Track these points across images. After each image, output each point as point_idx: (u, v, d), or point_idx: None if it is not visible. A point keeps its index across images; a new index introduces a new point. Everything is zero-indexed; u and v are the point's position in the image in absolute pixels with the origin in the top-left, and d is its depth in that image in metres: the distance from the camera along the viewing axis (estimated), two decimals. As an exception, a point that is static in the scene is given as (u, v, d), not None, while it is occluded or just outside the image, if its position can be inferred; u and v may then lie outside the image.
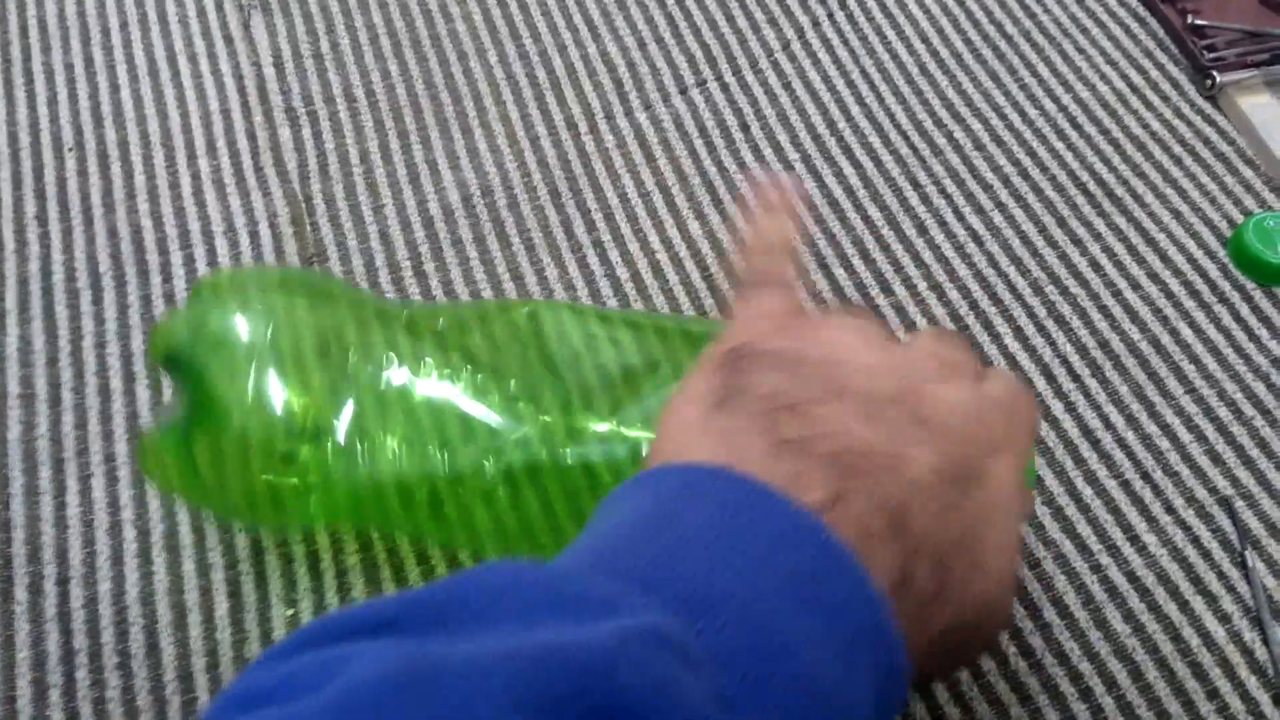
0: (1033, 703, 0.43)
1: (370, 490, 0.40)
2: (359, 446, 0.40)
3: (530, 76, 0.60)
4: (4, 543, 0.45)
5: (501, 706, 0.23)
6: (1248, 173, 0.56)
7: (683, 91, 0.59)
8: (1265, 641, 0.44)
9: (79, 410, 0.48)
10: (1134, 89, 0.59)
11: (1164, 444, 0.49)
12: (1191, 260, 0.54)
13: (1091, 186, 0.56)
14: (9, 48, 0.60)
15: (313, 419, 0.40)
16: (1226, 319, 0.52)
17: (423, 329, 0.42)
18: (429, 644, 0.25)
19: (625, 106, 0.59)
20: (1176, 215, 0.55)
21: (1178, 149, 0.57)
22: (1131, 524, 0.47)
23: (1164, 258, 0.54)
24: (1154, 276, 0.53)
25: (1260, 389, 0.50)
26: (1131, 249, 0.54)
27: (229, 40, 0.61)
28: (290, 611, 0.44)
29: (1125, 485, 0.48)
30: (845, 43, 0.61)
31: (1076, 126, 0.58)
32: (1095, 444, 0.48)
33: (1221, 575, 0.46)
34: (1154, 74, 0.60)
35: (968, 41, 0.61)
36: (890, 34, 0.61)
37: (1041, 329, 0.51)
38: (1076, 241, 0.54)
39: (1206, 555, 0.46)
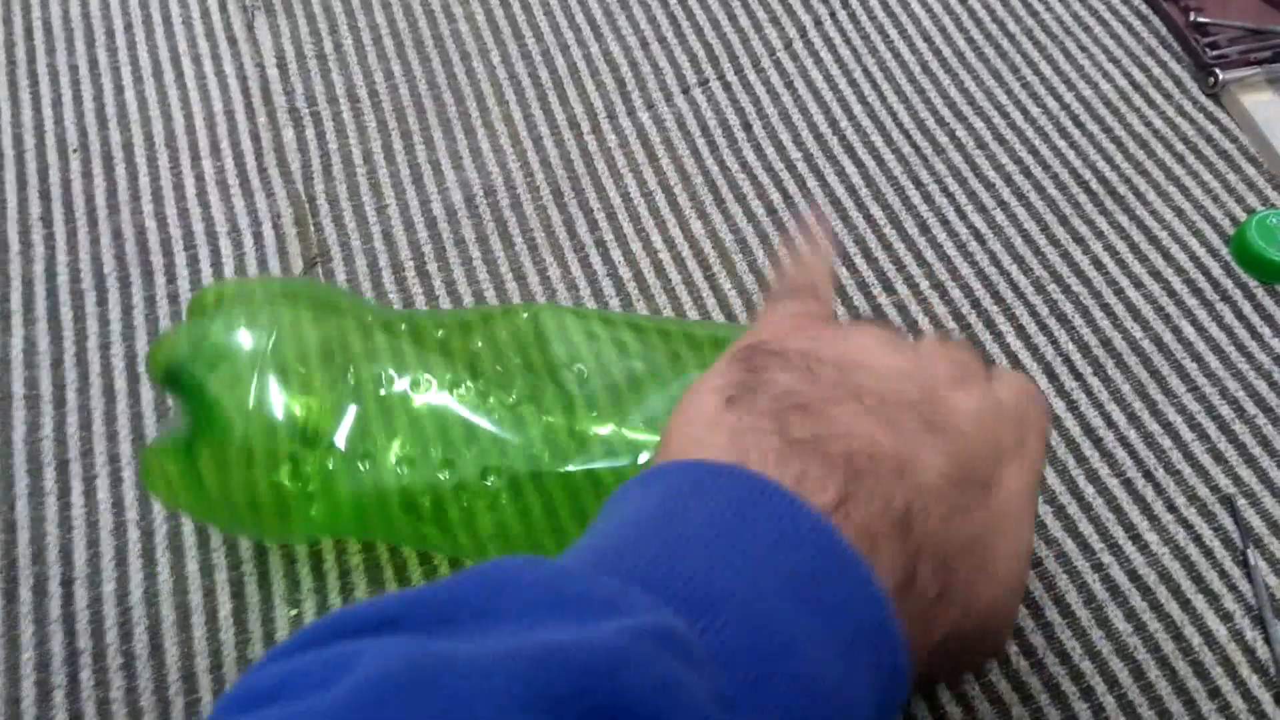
0: (1034, 702, 0.43)
1: (374, 499, 0.40)
2: (362, 456, 0.40)
3: (533, 76, 0.60)
4: (8, 544, 0.46)
5: (504, 706, 0.23)
6: (1250, 170, 0.56)
7: (685, 90, 0.59)
8: (1267, 640, 0.44)
9: (83, 411, 0.49)
10: (1136, 87, 0.59)
11: (1166, 442, 0.49)
12: (1194, 258, 0.54)
13: (1094, 184, 0.56)
14: (14, 49, 0.60)
15: (315, 428, 0.40)
16: (1229, 317, 0.52)
17: (425, 335, 0.42)
18: (432, 642, 0.25)
19: (628, 106, 0.59)
20: (1179, 213, 0.55)
21: (1180, 147, 0.57)
22: (1133, 522, 0.47)
23: (1166, 256, 0.54)
24: (1156, 274, 0.53)
25: (1263, 387, 0.50)
26: (1134, 247, 0.54)
27: (233, 41, 0.61)
28: (294, 612, 0.44)
29: (1127, 483, 0.48)
30: (847, 41, 0.61)
31: (1079, 124, 0.58)
32: (1097, 442, 0.48)
33: (1223, 574, 0.46)
34: (1156, 72, 0.60)
35: (969, 39, 0.61)
36: (892, 32, 0.61)
37: (1044, 327, 0.51)
38: (1079, 239, 0.54)
39: (1208, 554, 0.46)
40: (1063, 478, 0.48)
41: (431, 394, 0.41)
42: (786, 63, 0.60)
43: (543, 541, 0.40)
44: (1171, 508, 0.47)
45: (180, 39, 0.61)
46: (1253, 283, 0.53)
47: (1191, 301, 0.52)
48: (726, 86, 0.59)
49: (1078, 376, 0.50)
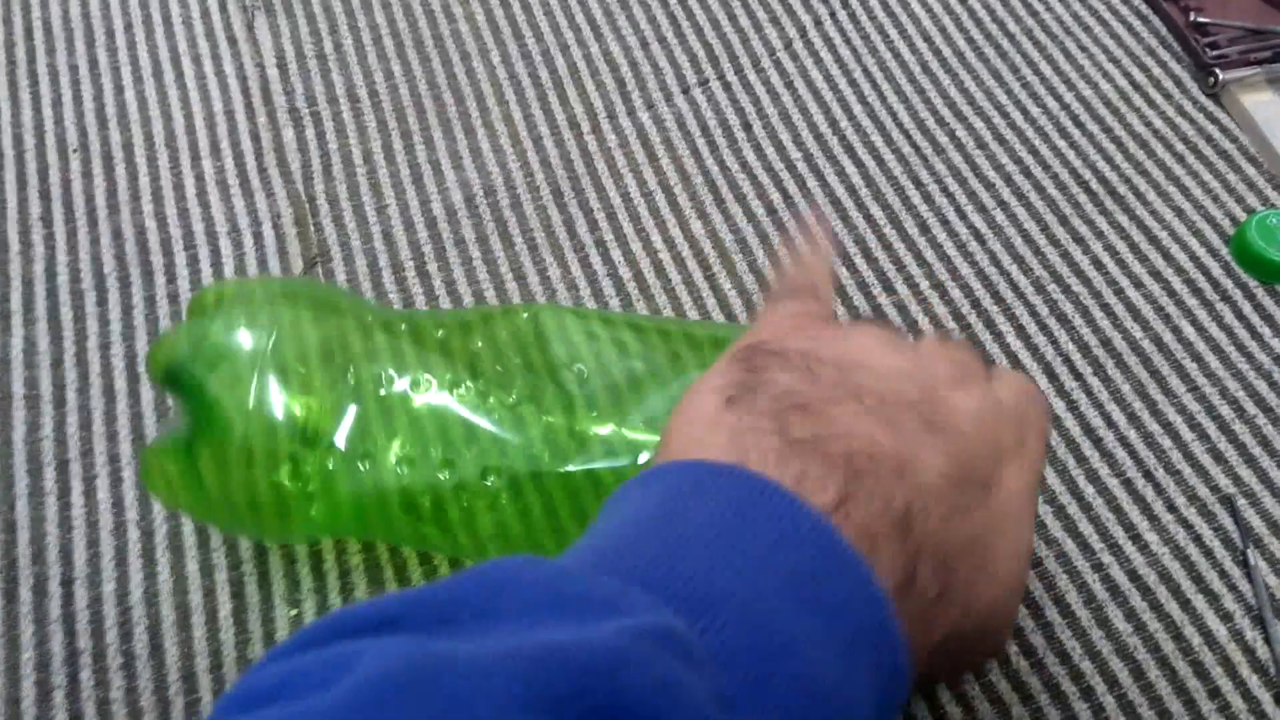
0: (1034, 702, 0.43)
1: (374, 499, 0.40)
2: (362, 456, 0.40)
3: (533, 76, 0.60)
4: (9, 544, 0.46)
5: (504, 706, 0.23)
6: (1250, 170, 0.56)
7: (685, 90, 0.59)
8: (1267, 640, 0.44)
9: (83, 411, 0.49)
10: (1136, 87, 0.59)
11: (1166, 442, 0.49)
12: (1194, 258, 0.54)
13: (1094, 184, 0.56)
14: (14, 50, 0.60)
15: (315, 428, 0.40)
16: (1229, 317, 0.52)
17: (425, 335, 0.42)
18: (432, 642, 0.25)
19: (628, 106, 0.59)
20: (1179, 213, 0.55)
21: (1180, 147, 0.57)
22: (1133, 522, 0.47)
23: (1166, 255, 0.54)
24: (1156, 274, 0.53)
25: (1263, 387, 0.50)
26: (1134, 247, 0.54)
27: (233, 41, 0.61)
28: (294, 612, 0.44)
29: (1127, 483, 0.48)
30: (847, 41, 0.61)
31: (1079, 124, 0.58)
32: (1097, 442, 0.48)
33: (1223, 574, 0.46)
34: (1156, 72, 0.60)
35: (969, 39, 0.61)
36: (892, 32, 0.61)
37: (1044, 327, 0.51)
38: (1079, 239, 0.54)
39: (1208, 554, 0.46)
40: (1063, 478, 0.48)
41: (431, 394, 0.41)
42: (786, 63, 0.60)
43: (543, 541, 0.40)
44: (1171, 508, 0.47)
45: (180, 39, 0.61)
46: (1253, 283, 0.53)
47: (1191, 301, 0.52)
48: (726, 86, 0.59)
49: (1078, 376, 0.50)
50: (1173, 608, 0.45)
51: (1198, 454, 0.48)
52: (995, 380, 0.36)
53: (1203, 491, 0.47)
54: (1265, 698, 0.43)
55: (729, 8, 0.62)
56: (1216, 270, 0.53)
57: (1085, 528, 0.46)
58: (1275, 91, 0.58)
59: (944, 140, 0.57)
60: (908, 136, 0.57)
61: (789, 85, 0.59)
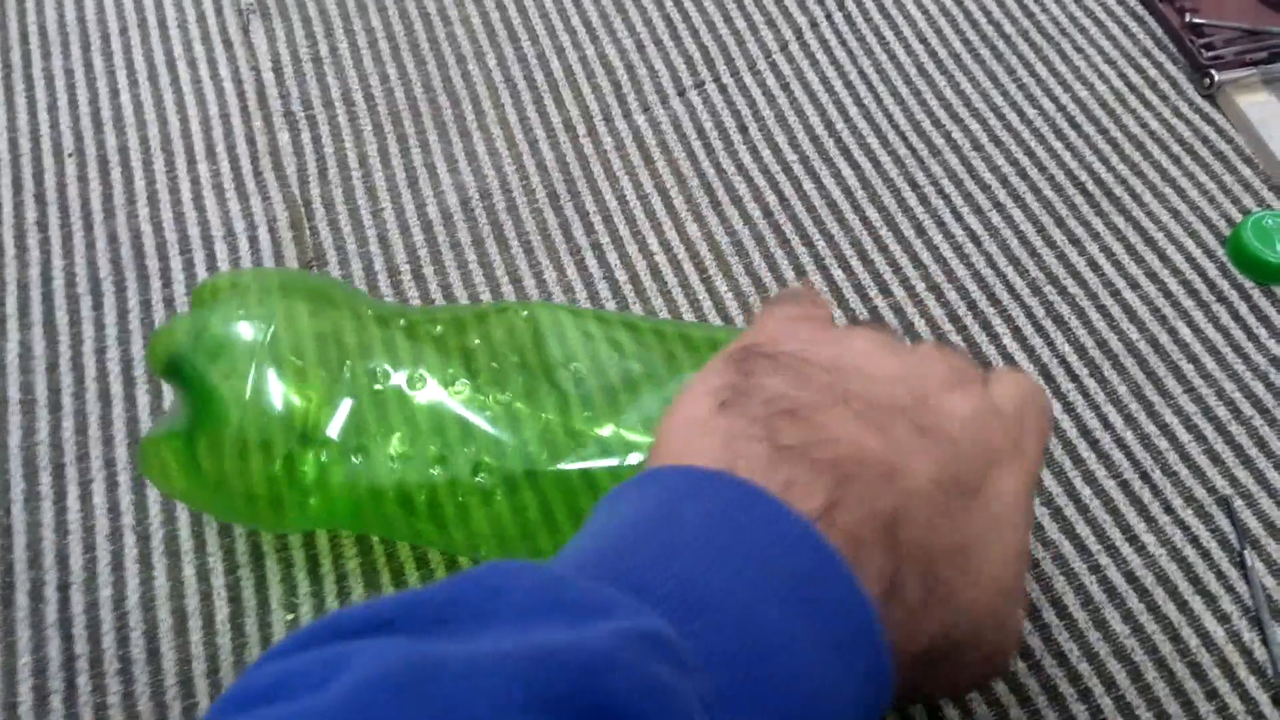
0: (1032, 704, 0.43)
1: (369, 493, 0.40)
2: (358, 450, 0.40)
3: (528, 79, 0.60)
4: (4, 549, 0.46)
5: (503, 706, 0.23)
6: (1246, 171, 0.56)
7: (681, 93, 0.59)
8: (1264, 641, 0.44)
9: (79, 416, 0.49)
10: (1132, 88, 0.59)
11: (1162, 444, 0.49)
12: (1190, 259, 0.54)
13: (1090, 186, 0.56)
14: (9, 53, 0.60)
15: (314, 422, 0.40)
16: (1225, 318, 0.52)
17: (422, 332, 0.42)
18: (428, 643, 0.25)
19: (623, 109, 0.59)
20: (1175, 214, 0.55)
21: (1176, 148, 0.57)
22: (1130, 524, 0.47)
23: (1162, 257, 0.54)
24: (1152, 276, 0.53)
25: (1259, 388, 0.50)
26: (1130, 248, 0.54)
27: (228, 45, 0.61)
28: (290, 616, 0.44)
29: (1124, 485, 0.48)
30: (843, 43, 0.61)
31: (1074, 126, 0.58)
32: (1094, 444, 0.48)
33: (1220, 575, 0.46)
34: (1152, 73, 0.60)
35: (965, 41, 0.61)
36: (888, 34, 0.62)
37: (1040, 329, 0.51)
38: (1074, 241, 0.54)
39: (1205, 555, 0.46)
40: (1059, 480, 0.48)
41: (427, 390, 0.41)
42: (782, 65, 0.60)
43: (538, 539, 0.40)
44: (1168, 509, 0.47)
45: (176, 43, 0.61)
46: (1249, 284, 0.53)
47: (1187, 303, 0.52)
48: (722, 89, 0.59)
49: (1074, 378, 0.50)
50: (1170, 609, 0.45)
51: (1194, 455, 0.48)
52: (994, 382, 0.36)
53: (1199, 493, 0.47)
54: (1263, 699, 0.43)
55: (724, 10, 0.62)
56: (1212, 271, 0.53)
57: (1082, 529, 0.46)
58: (1271, 92, 0.58)
59: (940, 142, 0.57)
60: (904, 138, 0.58)
61: (785, 88, 0.59)
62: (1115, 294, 0.53)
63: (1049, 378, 0.50)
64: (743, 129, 0.58)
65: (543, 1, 0.63)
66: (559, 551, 0.32)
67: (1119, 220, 0.55)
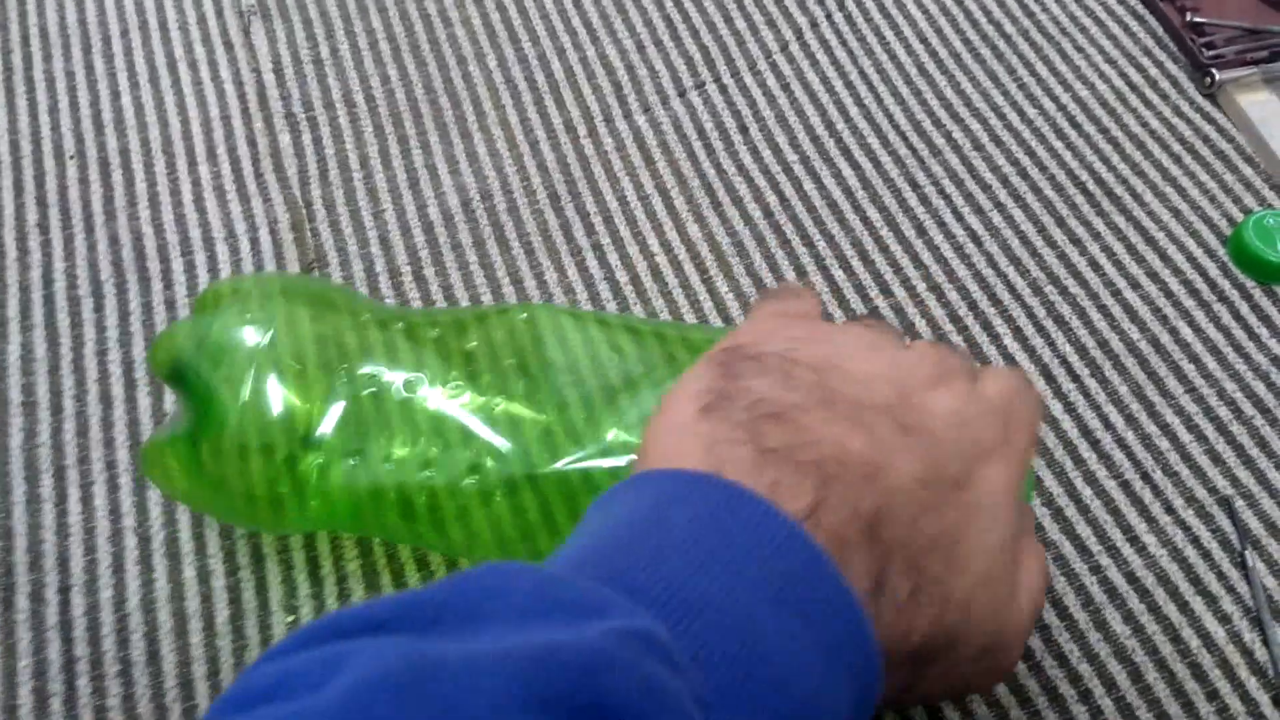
0: (1032, 705, 0.43)
1: (369, 496, 0.40)
2: (359, 452, 0.40)
3: (529, 80, 0.60)
4: (5, 550, 0.46)
5: (500, 705, 0.23)
6: (1247, 171, 0.56)
7: (681, 94, 0.59)
8: (1265, 642, 0.44)
9: (80, 418, 0.49)
10: (1133, 87, 0.59)
11: (1163, 444, 0.48)
12: (1191, 259, 0.54)
13: (1090, 186, 0.56)
14: (10, 56, 0.60)
15: (314, 425, 0.40)
16: (1226, 318, 0.52)
17: (422, 335, 0.42)
18: (426, 643, 0.25)
19: (624, 109, 0.59)
20: (1176, 214, 0.55)
21: (1177, 147, 0.57)
22: (1131, 524, 0.47)
23: (1163, 257, 0.54)
24: (1153, 275, 0.53)
25: (1260, 388, 0.50)
26: (1131, 248, 0.54)
27: (229, 46, 0.61)
28: (291, 618, 0.44)
29: (1125, 485, 0.47)
30: (844, 44, 0.61)
31: (1075, 125, 0.58)
32: (1094, 444, 0.48)
33: (1221, 575, 0.45)
34: (1153, 72, 0.60)
35: (966, 41, 0.61)
36: (889, 34, 0.61)
37: (1041, 329, 0.51)
38: (1075, 241, 0.54)
39: (1206, 555, 0.46)
40: (1060, 480, 0.48)
41: (429, 393, 0.41)
42: (783, 65, 0.60)
43: (538, 541, 0.40)
44: (1169, 509, 0.47)
45: (177, 44, 0.61)
46: (1250, 284, 0.53)
47: (1189, 303, 0.52)
48: (723, 89, 0.59)
49: (1075, 378, 0.50)
50: (1171, 610, 0.45)
51: (1195, 455, 0.48)
52: (982, 378, 0.37)
53: (1200, 493, 0.47)
54: (1264, 700, 0.43)
55: (725, 10, 0.62)
56: (1214, 271, 0.53)
57: (1083, 530, 0.46)
58: (1272, 91, 0.58)
59: (940, 142, 0.57)
60: (904, 138, 0.57)
61: (785, 88, 0.59)
62: (1116, 294, 0.52)
63: (1050, 378, 0.50)
64: (743, 129, 0.58)
65: (543, 2, 0.63)
66: (553, 553, 0.32)
67: (1120, 220, 0.55)
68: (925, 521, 0.32)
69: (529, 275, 0.53)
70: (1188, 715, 0.43)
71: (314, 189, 0.55)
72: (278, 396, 0.40)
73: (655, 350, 0.42)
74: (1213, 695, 0.43)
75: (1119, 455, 0.48)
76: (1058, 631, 0.44)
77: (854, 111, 0.58)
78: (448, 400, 0.41)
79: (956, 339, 0.51)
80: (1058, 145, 0.57)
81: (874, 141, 0.57)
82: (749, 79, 0.60)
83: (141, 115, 0.58)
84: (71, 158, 0.56)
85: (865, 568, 0.31)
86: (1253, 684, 0.43)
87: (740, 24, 0.62)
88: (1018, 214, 0.55)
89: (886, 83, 0.60)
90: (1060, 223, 0.55)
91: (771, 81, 0.60)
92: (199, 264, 0.53)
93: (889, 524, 0.31)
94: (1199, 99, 0.59)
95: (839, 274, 0.53)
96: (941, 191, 0.56)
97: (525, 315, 0.43)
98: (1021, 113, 0.58)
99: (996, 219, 0.55)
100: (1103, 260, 0.53)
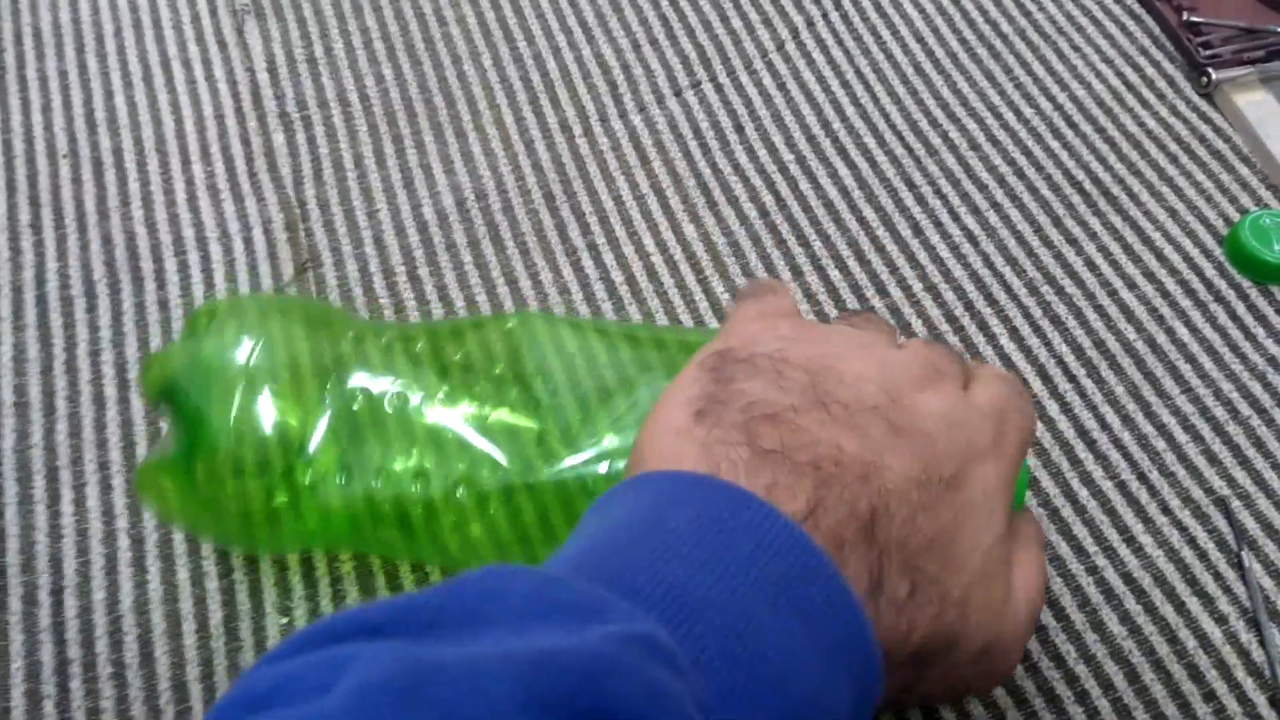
0: (1029, 705, 0.43)
1: (365, 512, 0.40)
2: (353, 469, 0.40)
3: (524, 79, 0.60)
4: (-2, 552, 0.45)
5: (501, 710, 0.23)
6: (1244, 170, 0.56)
7: (677, 93, 0.59)
8: (1262, 643, 0.44)
9: (73, 419, 0.48)
10: (1129, 87, 0.59)
11: (1160, 444, 0.48)
12: (1187, 259, 0.53)
13: (1087, 185, 0.56)
14: (3, 55, 0.60)
15: (305, 443, 0.40)
16: (1223, 318, 0.52)
17: (417, 349, 0.42)
18: (424, 647, 0.25)
19: (619, 109, 0.58)
20: (1172, 214, 0.55)
21: (1173, 147, 0.57)
22: (1128, 525, 0.46)
23: (1160, 256, 0.53)
24: (1150, 275, 0.53)
25: (1257, 388, 0.50)
26: (1127, 248, 0.54)
27: (223, 45, 0.61)
28: (285, 620, 0.44)
29: (1121, 486, 0.47)
30: (840, 43, 0.61)
31: (1072, 125, 0.58)
32: (1091, 445, 0.48)
33: (1218, 576, 0.45)
34: (1149, 71, 0.60)
35: (962, 40, 0.61)
36: (885, 33, 0.61)
37: (1037, 329, 0.51)
38: (1072, 241, 0.54)
39: (1203, 556, 0.46)
40: (1057, 481, 0.47)
41: (424, 407, 0.41)
42: (779, 64, 0.60)
43: (536, 551, 0.40)
44: (1166, 510, 0.47)
45: (170, 44, 0.60)
46: (1246, 283, 0.53)
47: (1185, 302, 0.52)
48: (718, 88, 0.59)
49: (1071, 378, 0.50)
50: (1167, 611, 0.45)
51: (1192, 456, 0.48)
52: (975, 383, 0.37)
53: (1197, 494, 0.47)
54: (1260, 701, 0.43)
55: (720, 9, 0.62)
56: (1210, 271, 0.53)
57: (1079, 531, 0.46)
58: (1268, 91, 0.58)
59: (937, 141, 0.57)
60: (900, 138, 0.57)
61: (781, 87, 0.59)
62: (1112, 294, 0.52)
63: (1046, 378, 0.50)
64: (739, 129, 0.58)
65: (538, 1, 0.62)
66: (551, 557, 0.32)
67: (1116, 220, 0.55)
68: (921, 521, 0.32)
69: (524, 275, 0.53)
70: (1184, 716, 0.42)
71: (308, 188, 0.55)
72: (270, 415, 0.40)
73: (650, 354, 0.42)
74: (1209, 696, 0.43)
75: (1115, 456, 0.48)
76: (1054, 632, 0.44)
77: (850, 111, 0.58)
78: (441, 411, 0.41)
79: (952, 339, 0.51)
80: (1054, 145, 0.57)
81: (870, 141, 0.57)
82: (745, 78, 0.60)
83: (135, 114, 0.58)
84: (65, 157, 0.56)
85: (863, 568, 0.31)
86: (1249, 685, 0.43)
87: (736, 23, 0.62)
88: (1014, 214, 0.55)
89: (883, 82, 0.59)
90: (1056, 223, 0.54)
91: (767, 81, 0.60)
92: (192, 264, 0.53)
93: (885, 524, 0.31)
94: (1195, 99, 0.59)
95: (835, 274, 0.53)
96: (938, 191, 0.56)
97: (518, 324, 0.43)
98: (1018, 112, 0.58)
99: (993, 219, 0.55)
100: (1099, 260, 0.53)
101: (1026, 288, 0.53)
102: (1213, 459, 0.48)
